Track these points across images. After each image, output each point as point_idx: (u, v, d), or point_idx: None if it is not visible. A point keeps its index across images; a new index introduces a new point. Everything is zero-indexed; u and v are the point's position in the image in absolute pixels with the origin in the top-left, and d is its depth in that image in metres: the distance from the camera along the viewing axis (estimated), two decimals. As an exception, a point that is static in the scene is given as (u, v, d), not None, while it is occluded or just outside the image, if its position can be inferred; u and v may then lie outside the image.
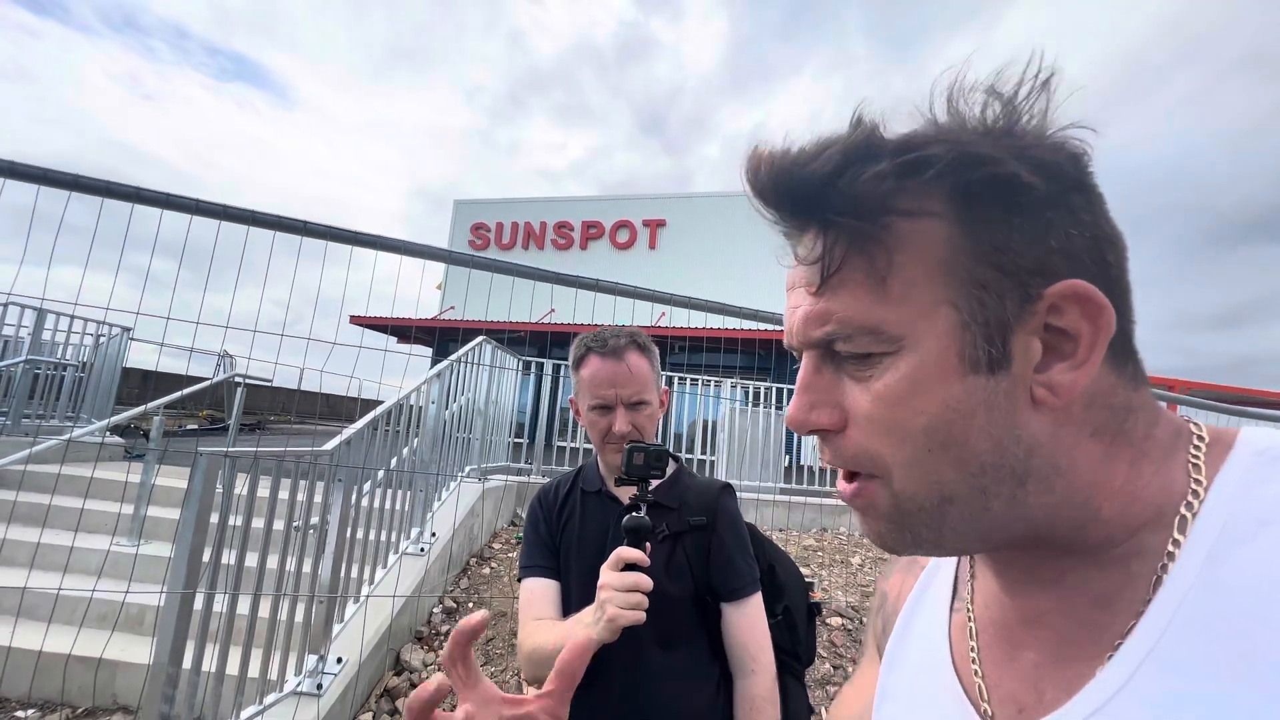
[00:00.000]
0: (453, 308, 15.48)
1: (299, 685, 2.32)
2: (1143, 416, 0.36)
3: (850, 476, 0.38)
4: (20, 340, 4.93)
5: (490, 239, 17.18)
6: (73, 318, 5.08)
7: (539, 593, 1.12)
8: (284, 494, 2.38)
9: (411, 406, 3.33)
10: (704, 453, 6.04)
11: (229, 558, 2.14)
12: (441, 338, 12.82)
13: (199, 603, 2.02)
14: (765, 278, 12.83)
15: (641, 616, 0.84)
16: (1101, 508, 0.35)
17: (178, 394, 4.06)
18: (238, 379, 4.21)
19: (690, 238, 15.72)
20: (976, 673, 0.40)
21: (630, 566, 0.88)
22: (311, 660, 2.40)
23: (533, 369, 5.23)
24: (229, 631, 2.11)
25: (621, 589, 0.85)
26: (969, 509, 0.35)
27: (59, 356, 5.10)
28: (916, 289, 0.34)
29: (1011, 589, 0.40)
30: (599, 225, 16.54)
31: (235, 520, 2.14)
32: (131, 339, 5.36)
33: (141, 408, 3.80)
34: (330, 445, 2.48)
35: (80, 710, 2.66)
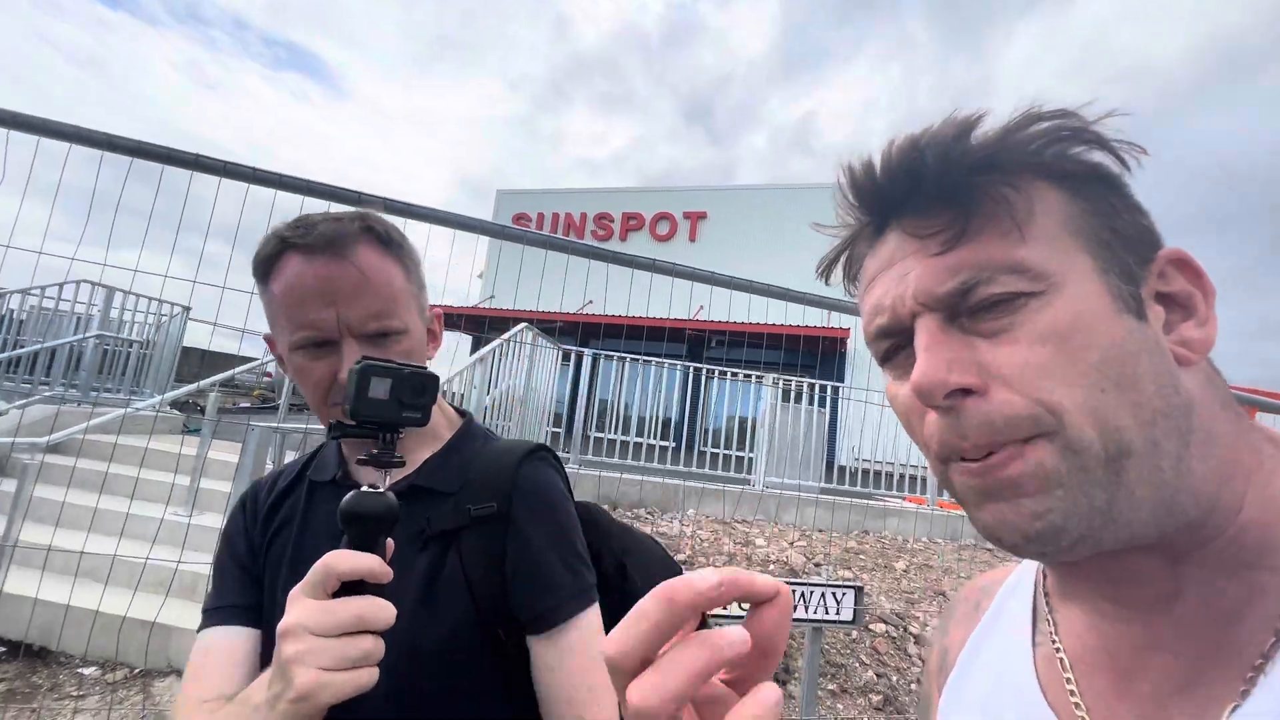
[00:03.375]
0: (494, 296, 15.71)
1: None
2: (1235, 404, 0.35)
3: (988, 451, 0.32)
4: (90, 317, 5.19)
5: (531, 228, 17.37)
6: (138, 296, 5.32)
7: (216, 653, 0.66)
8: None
9: (454, 393, 3.35)
10: (742, 449, 5.94)
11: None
12: (482, 326, 13.02)
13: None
14: (809, 273, 12.53)
15: (367, 680, 0.48)
16: (1241, 494, 0.33)
17: (231, 371, 4.20)
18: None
19: (732, 231, 15.52)
20: (1078, 706, 0.36)
21: (352, 587, 0.49)
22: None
23: (571, 359, 5.22)
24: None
25: (329, 632, 0.47)
26: (1144, 466, 0.31)
27: (125, 334, 5.35)
28: (1054, 236, 0.33)
29: (1113, 614, 0.37)
30: (639, 217, 16.49)
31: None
32: (190, 319, 5.58)
33: (196, 384, 3.94)
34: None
35: (136, 670, 2.77)
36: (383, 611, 0.49)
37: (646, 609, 0.25)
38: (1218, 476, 0.32)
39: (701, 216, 16.01)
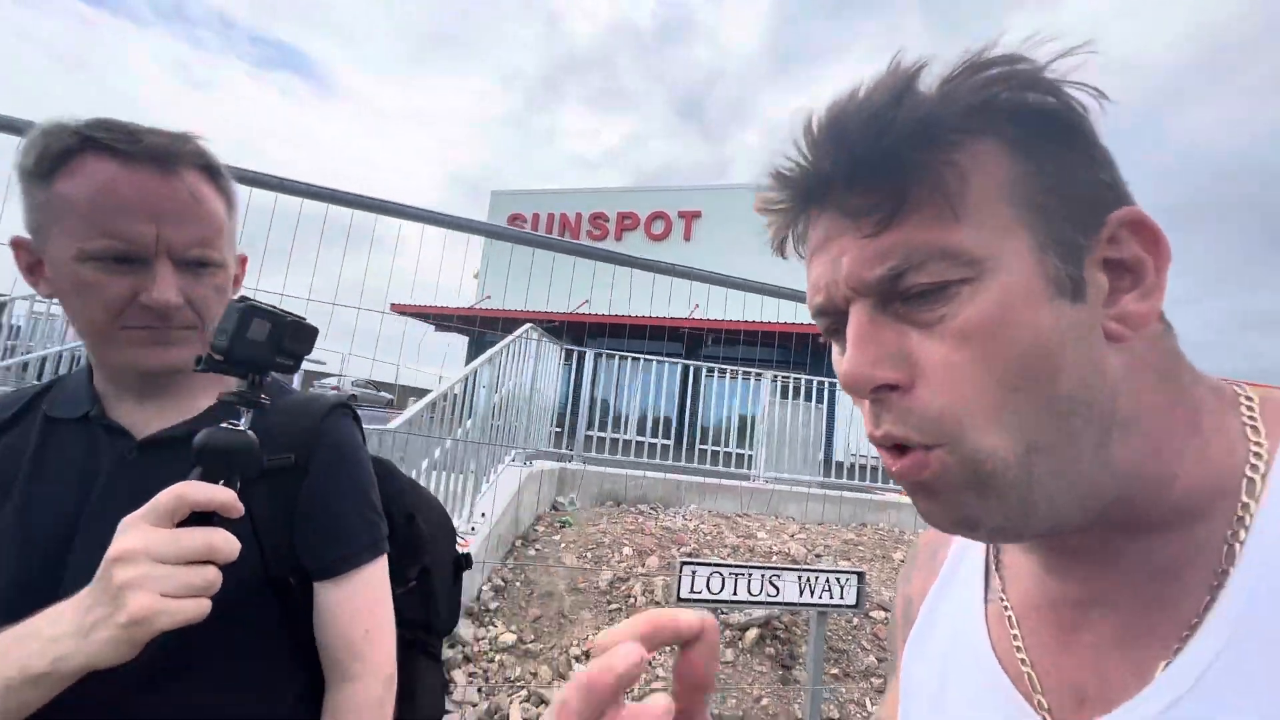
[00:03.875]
0: (489, 296, 15.73)
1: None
2: (1185, 366, 0.35)
3: (899, 450, 0.33)
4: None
5: (526, 229, 17.39)
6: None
7: None
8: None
9: (458, 394, 3.43)
10: (742, 446, 6.04)
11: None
12: (479, 325, 13.07)
13: None
14: (801, 271, 12.64)
15: (204, 610, 0.48)
16: (1173, 466, 0.32)
17: None
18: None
19: (726, 230, 15.61)
20: (1024, 662, 0.37)
21: (201, 518, 0.49)
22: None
23: (574, 358, 5.31)
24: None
25: (175, 559, 0.47)
26: (1058, 460, 0.31)
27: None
28: (990, 210, 0.31)
29: (1058, 569, 0.37)
30: (634, 216, 16.56)
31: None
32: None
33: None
34: (395, 424, 2.58)
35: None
36: (230, 543, 0.49)
37: (568, 700, 0.24)
38: (1145, 454, 0.32)
39: (696, 215, 16.10)
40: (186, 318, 0.63)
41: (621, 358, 5.62)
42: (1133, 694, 0.31)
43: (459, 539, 0.94)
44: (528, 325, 4.18)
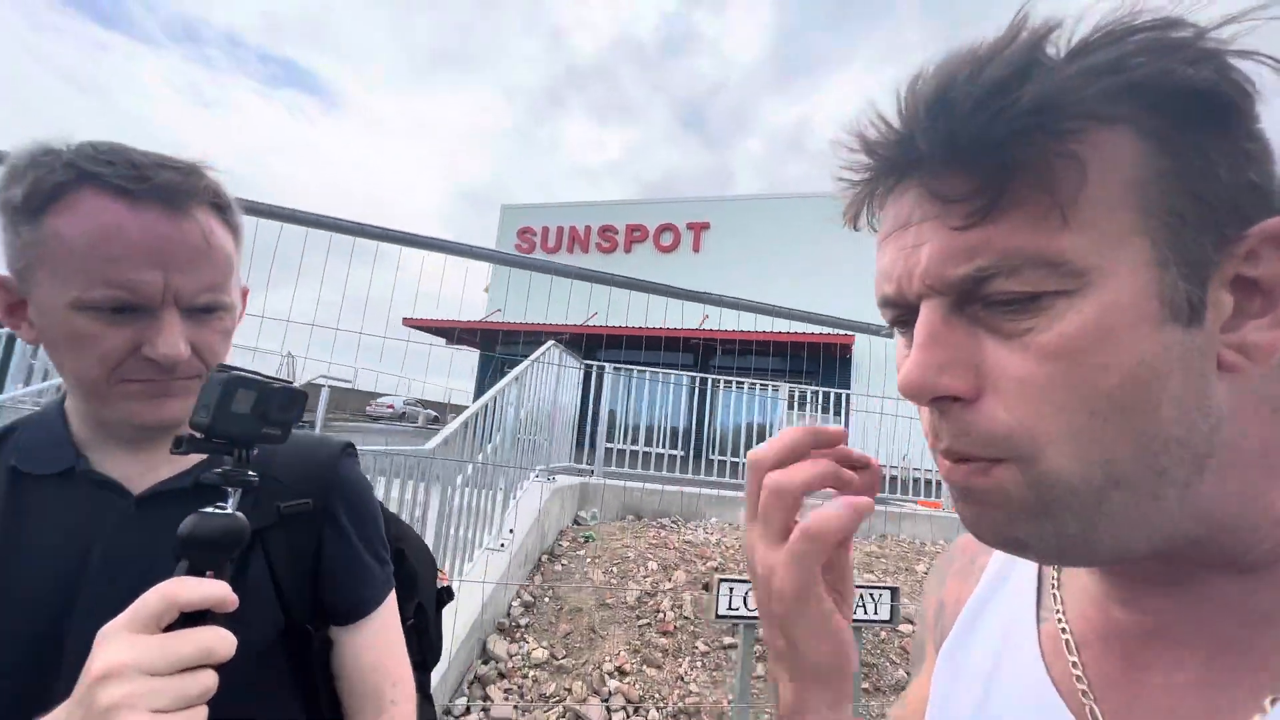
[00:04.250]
0: (499, 310, 15.85)
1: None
2: None
3: (961, 458, 0.31)
4: None
5: (536, 243, 17.52)
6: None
7: None
8: (381, 491, 2.55)
9: (486, 407, 3.49)
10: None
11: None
12: (487, 339, 13.18)
13: None
14: (810, 280, 12.74)
15: (201, 717, 0.44)
16: (1276, 509, 0.30)
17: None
18: (321, 380, 4.48)
19: (734, 240, 15.70)
20: (1085, 694, 0.34)
21: (195, 617, 0.44)
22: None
23: (593, 373, 5.37)
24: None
25: (168, 670, 0.42)
26: (1137, 497, 0.28)
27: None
28: (1108, 214, 0.27)
29: (1128, 596, 0.35)
30: (642, 228, 16.67)
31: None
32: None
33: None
34: (432, 444, 2.64)
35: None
36: (227, 642, 0.45)
37: (793, 433, 0.37)
38: (1241, 496, 0.29)
39: (704, 227, 16.20)
40: (191, 367, 0.58)
41: (639, 372, 5.68)
42: None
43: (439, 571, 0.94)
44: (550, 342, 4.24)
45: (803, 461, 0.37)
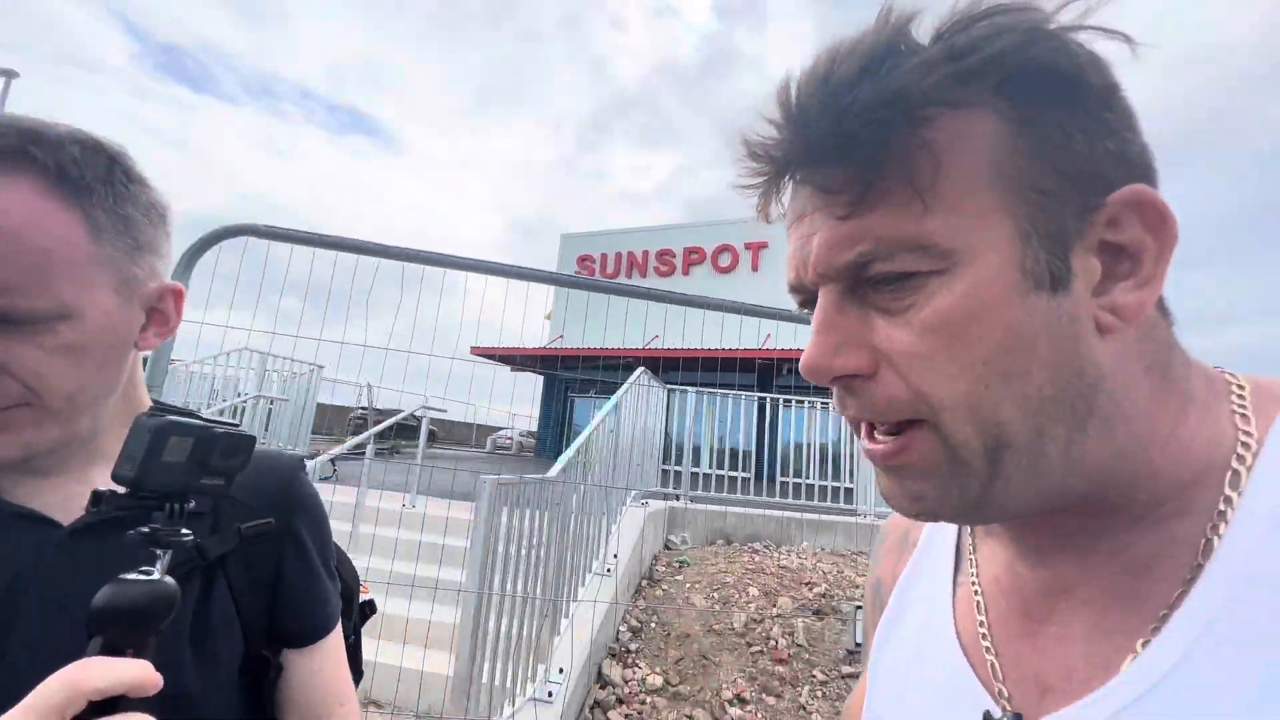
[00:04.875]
0: (561, 336, 16.23)
1: (534, 693, 2.56)
2: (1179, 355, 0.33)
3: (870, 431, 0.33)
4: (228, 379, 5.80)
5: (595, 269, 17.90)
6: (279, 358, 5.91)
7: None
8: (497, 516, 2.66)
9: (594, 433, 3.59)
10: (836, 479, 5.91)
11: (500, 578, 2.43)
12: (549, 364, 13.47)
13: (455, 615, 2.31)
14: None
15: None
16: (1154, 459, 0.31)
17: (387, 422, 4.62)
18: (422, 411, 4.73)
19: (794, 258, 15.59)
20: (988, 650, 0.36)
21: (106, 706, 0.38)
22: (541, 670, 2.64)
23: (676, 397, 5.42)
24: (475, 642, 2.39)
25: None
26: (1025, 455, 0.30)
27: (269, 392, 5.92)
28: (968, 195, 0.29)
29: (1029, 557, 0.36)
30: (700, 250, 16.79)
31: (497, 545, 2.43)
32: (323, 378, 6.13)
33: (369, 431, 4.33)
34: (553, 472, 2.74)
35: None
36: None
37: None
38: (1123, 449, 0.31)
39: (763, 246, 16.15)
40: (9, 391, 0.46)
41: (711, 394, 5.70)
42: (1095, 688, 0.30)
43: (361, 584, 0.87)
44: (641, 369, 4.33)
45: None
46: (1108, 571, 0.32)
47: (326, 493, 4.10)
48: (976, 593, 0.39)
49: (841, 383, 0.33)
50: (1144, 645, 0.29)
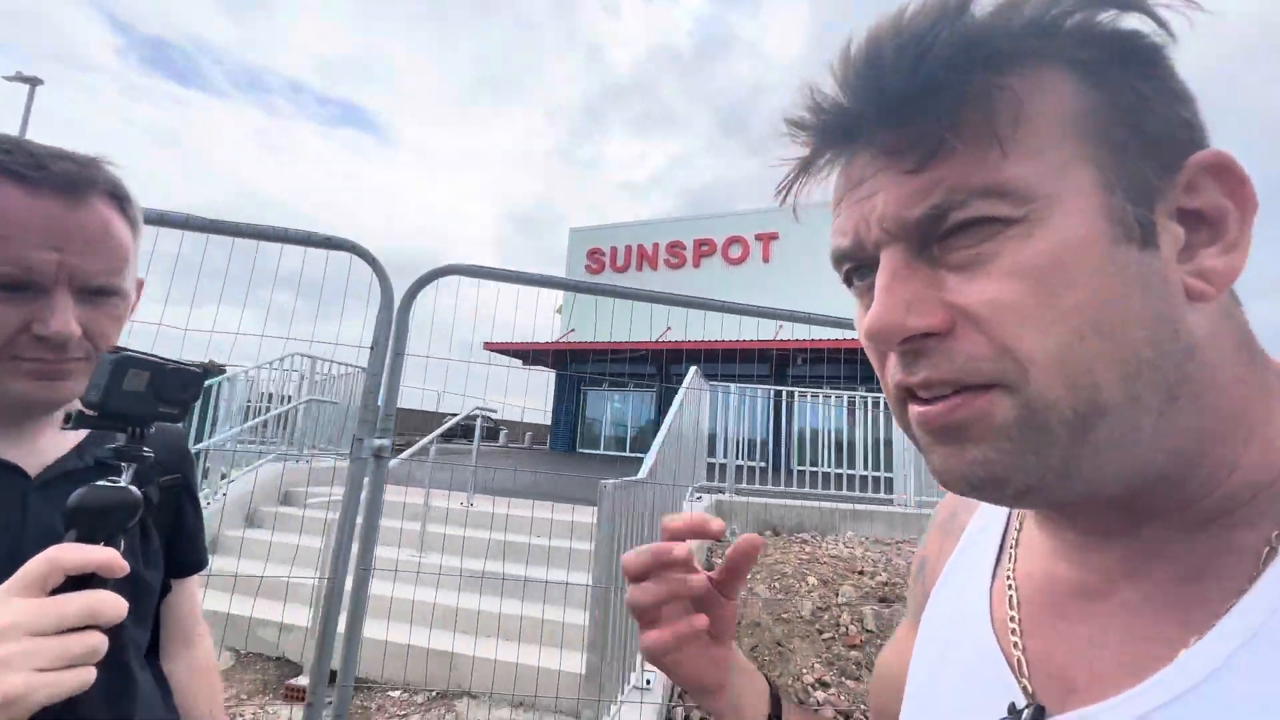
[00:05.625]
0: (573, 330, 16.35)
1: (635, 681, 2.74)
2: (1257, 343, 0.31)
3: (945, 389, 0.30)
4: (273, 379, 5.93)
5: (605, 263, 17.99)
6: (330, 362, 6.04)
7: None
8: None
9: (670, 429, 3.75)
10: (874, 469, 6.07)
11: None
12: (560, 359, 13.62)
13: (569, 616, 2.47)
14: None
15: (88, 678, 0.45)
16: (1238, 450, 0.29)
17: (450, 423, 4.78)
18: (477, 411, 4.89)
19: (805, 248, 15.67)
20: (1016, 645, 0.35)
21: (77, 583, 0.46)
22: (637, 659, 2.82)
23: (719, 393, 5.58)
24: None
25: (50, 629, 0.44)
26: (1120, 424, 0.27)
27: (319, 394, 6.06)
28: (1049, 144, 0.28)
29: (1072, 555, 0.35)
30: (710, 242, 16.87)
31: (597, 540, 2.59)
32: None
33: (431, 436, 4.47)
34: (643, 474, 2.90)
35: (435, 693, 3.24)
36: (116, 606, 0.46)
37: (645, 554, 0.42)
38: (1210, 433, 0.29)
39: (773, 237, 16.25)
40: (81, 349, 0.61)
41: (739, 388, 5.86)
42: (1123, 690, 0.29)
43: None
44: (694, 369, 4.48)
45: (647, 584, 0.43)
46: (1153, 577, 0.30)
47: (398, 494, 4.23)
48: (1010, 586, 0.38)
49: (911, 345, 0.30)
50: (1185, 651, 0.27)
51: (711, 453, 5.48)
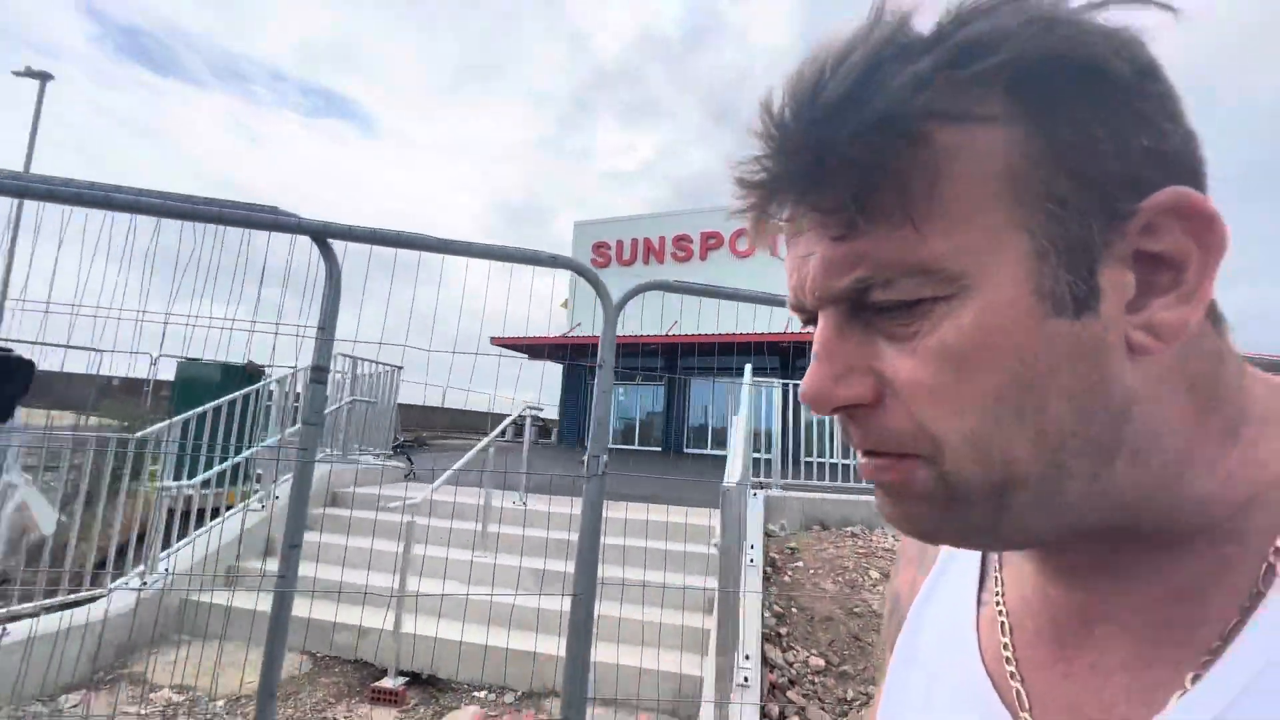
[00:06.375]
0: (579, 324, 16.33)
1: (735, 678, 2.78)
2: (1230, 366, 0.30)
3: (874, 453, 0.31)
4: (308, 380, 5.90)
5: (611, 257, 17.95)
6: (363, 361, 6.01)
7: None
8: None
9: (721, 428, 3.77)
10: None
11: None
12: (564, 352, 13.61)
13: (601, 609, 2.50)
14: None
15: None
16: (1196, 484, 0.29)
17: (505, 423, 4.78)
18: (526, 412, 4.91)
19: (812, 241, 15.73)
20: (1013, 675, 0.34)
21: None
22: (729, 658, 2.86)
23: (762, 388, 5.61)
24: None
25: None
26: (1039, 493, 0.28)
27: (349, 395, 6.03)
28: (974, 213, 0.26)
29: (1062, 579, 0.34)
30: (718, 235, 16.87)
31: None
32: (403, 380, 6.24)
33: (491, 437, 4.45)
34: (734, 481, 2.92)
35: (521, 693, 3.27)
36: None
37: None
38: (1160, 476, 0.28)
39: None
40: None
41: (781, 383, 5.90)
42: None
43: None
44: (748, 368, 4.50)
45: None
46: (1149, 597, 0.30)
47: (450, 495, 4.21)
48: (1001, 613, 0.37)
49: (844, 412, 0.31)
50: (1194, 680, 0.26)
51: (755, 448, 5.51)
